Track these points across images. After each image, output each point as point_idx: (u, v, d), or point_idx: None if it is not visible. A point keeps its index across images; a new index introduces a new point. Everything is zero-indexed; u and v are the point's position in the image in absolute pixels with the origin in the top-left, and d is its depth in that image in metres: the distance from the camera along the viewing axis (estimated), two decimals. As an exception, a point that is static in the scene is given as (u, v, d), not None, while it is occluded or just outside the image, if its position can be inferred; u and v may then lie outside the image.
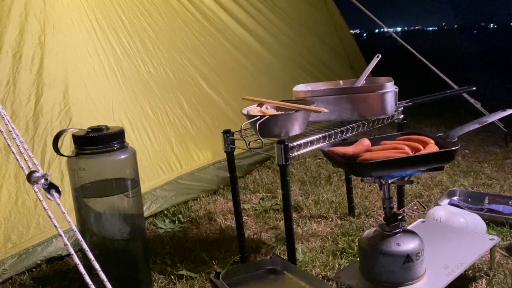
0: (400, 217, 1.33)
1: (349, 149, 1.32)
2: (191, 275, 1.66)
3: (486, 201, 2.08)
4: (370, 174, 1.27)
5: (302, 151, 1.45)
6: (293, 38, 3.60)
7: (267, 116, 1.43)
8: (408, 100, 1.76)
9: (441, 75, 3.14)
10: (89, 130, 1.44)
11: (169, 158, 2.37)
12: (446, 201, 2.13)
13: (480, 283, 1.51)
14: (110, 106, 2.15)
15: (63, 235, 0.78)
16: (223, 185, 2.53)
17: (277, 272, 1.48)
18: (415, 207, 2.07)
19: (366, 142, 1.35)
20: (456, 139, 1.31)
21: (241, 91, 2.63)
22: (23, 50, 1.89)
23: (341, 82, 1.86)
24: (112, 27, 2.31)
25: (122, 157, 1.47)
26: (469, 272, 1.55)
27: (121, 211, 1.53)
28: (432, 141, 1.30)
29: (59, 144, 1.39)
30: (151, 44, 2.49)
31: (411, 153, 1.26)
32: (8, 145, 0.88)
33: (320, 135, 1.48)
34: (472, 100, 3.00)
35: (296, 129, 1.48)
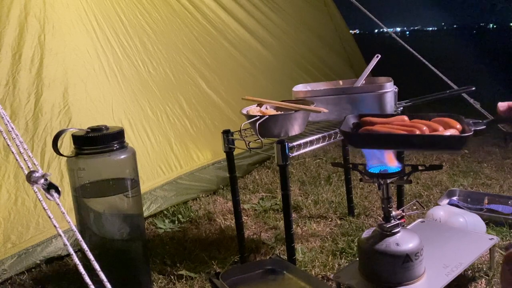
0: (399, 217, 1.33)
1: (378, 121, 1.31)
2: (190, 275, 1.66)
3: (486, 201, 2.08)
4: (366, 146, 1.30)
5: (301, 151, 1.45)
6: (293, 38, 3.60)
7: (267, 116, 1.43)
8: (407, 100, 1.76)
9: (441, 75, 3.14)
10: (89, 130, 1.44)
11: (168, 158, 2.37)
12: (446, 201, 2.13)
13: (480, 283, 1.51)
14: (109, 106, 2.15)
15: (62, 235, 0.78)
16: (222, 185, 2.53)
17: (276, 272, 1.48)
18: (415, 207, 2.07)
19: (404, 118, 1.31)
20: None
21: (240, 91, 2.63)
22: (22, 50, 1.89)
23: (340, 82, 1.86)
24: (112, 27, 2.31)
25: (122, 157, 1.47)
26: (469, 272, 1.55)
27: (121, 211, 1.53)
28: (459, 126, 1.21)
29: (58, 144, 1.40)
30: (151, 44, 2.49)
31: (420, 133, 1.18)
32: (8, 145, 0.87)
33: (320, 135, 1.48)
34: (471, 100, 2.99)
35: (295, 129, 1.48)
